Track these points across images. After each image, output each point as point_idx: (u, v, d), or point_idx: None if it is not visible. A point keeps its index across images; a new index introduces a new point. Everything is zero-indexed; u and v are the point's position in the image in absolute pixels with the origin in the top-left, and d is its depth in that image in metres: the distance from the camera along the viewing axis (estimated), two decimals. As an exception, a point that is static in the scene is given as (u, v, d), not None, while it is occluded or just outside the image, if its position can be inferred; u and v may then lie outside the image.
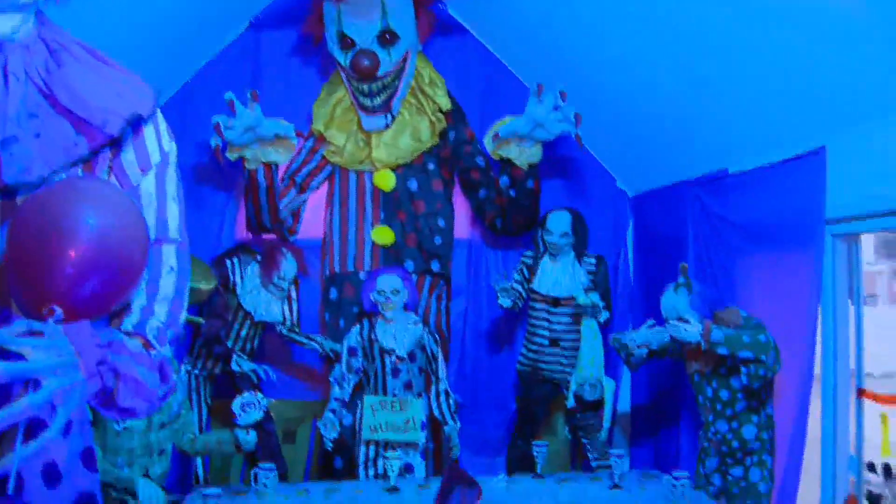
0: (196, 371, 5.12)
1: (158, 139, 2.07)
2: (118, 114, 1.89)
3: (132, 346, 1.88)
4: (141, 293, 2.02)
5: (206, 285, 3.69)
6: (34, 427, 1.66)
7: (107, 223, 1.74)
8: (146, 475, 3.71)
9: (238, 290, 5.03)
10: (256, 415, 3.93)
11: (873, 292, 10.83)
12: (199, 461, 5.18)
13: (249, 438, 3.96)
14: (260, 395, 3.97)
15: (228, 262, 5.06)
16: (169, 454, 3.97)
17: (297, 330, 5.40)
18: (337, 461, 5.18)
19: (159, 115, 2.09)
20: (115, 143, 1.96)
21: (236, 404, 3.93)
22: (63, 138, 1.85)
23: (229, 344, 5.06)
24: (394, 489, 4.34)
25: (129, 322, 2.00)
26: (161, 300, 2.06)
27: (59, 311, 1.68)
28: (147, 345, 1.95)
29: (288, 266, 5.03)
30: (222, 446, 4.06)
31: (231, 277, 5.03)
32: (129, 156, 2.01)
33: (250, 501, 4.18)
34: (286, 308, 5.31)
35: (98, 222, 1.72)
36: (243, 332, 5.12)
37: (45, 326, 1.66)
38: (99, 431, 3.66)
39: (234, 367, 4.91)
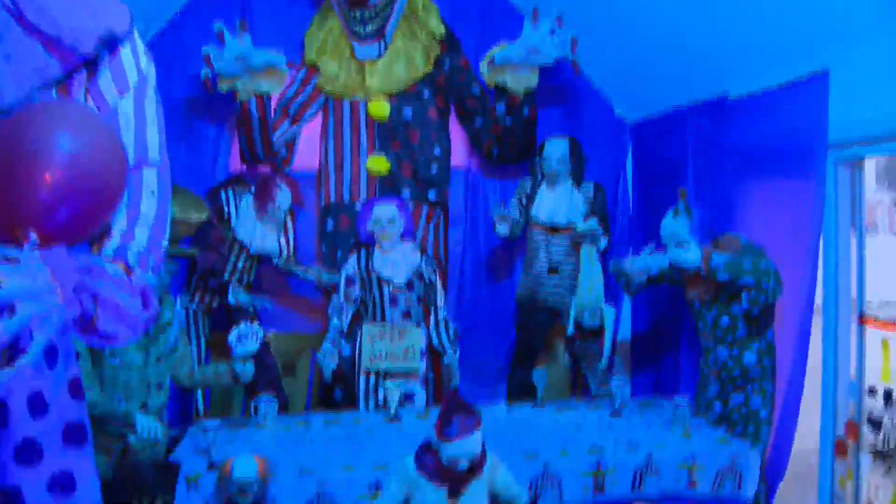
0: (193, 305, 5.08)
1: (136, 60, 2.00)
2: (91, 32, 1.82)
3: (112, 272, 1.84)
4: (121, 218, 1.97)
5: (196, 216, 3.63)
6: (13, 353, 1.62)
7: (82, 147, 1.69)
8: (144, 408, 3.69)
9: (233, 223, 4.97)
10: (252, 346, 3.90)
11: (874, 221, 10.72)
12: (199, 395, 5.18)
13: (246, 370, 3.94)
14: (256, 325, 3.94)
15: (222, 195, 5.00)
16: (167, 388, 3.95)
17: (293, 262, 5.35)
18: (337, 392, 5.16)
19: (136, 36, 2.01)
20: (91, 65, 1.89)
21: (232, 336, 3.90)
22: (34, 59, 1.78)
23: (225, 277, 5.01)
24: (394, 419, 4.34)
25: (110, 247, 1.95)
26: (142, 225, 2.01)
27: (33, 236, 1.63)
28: (128, 270, 1.91)
29: (282, 197, 4.96)
30: (220, 378, 4.04)
31: (225, 209, 4.97)
32: (105, 78, 1.94)
33: (250, 433, 4.20)
34: (282, 240, 5.25)
35: (73, 146, 1.67)
36: (239, 265, 5.07)
37: (20, 252, 1.61)
38: (96, 366, 3.63)
39: (231, 299, 4.87)
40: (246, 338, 3.88)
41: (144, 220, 2.02)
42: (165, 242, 2.11)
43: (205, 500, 3.47)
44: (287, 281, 5.69)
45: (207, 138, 5.57)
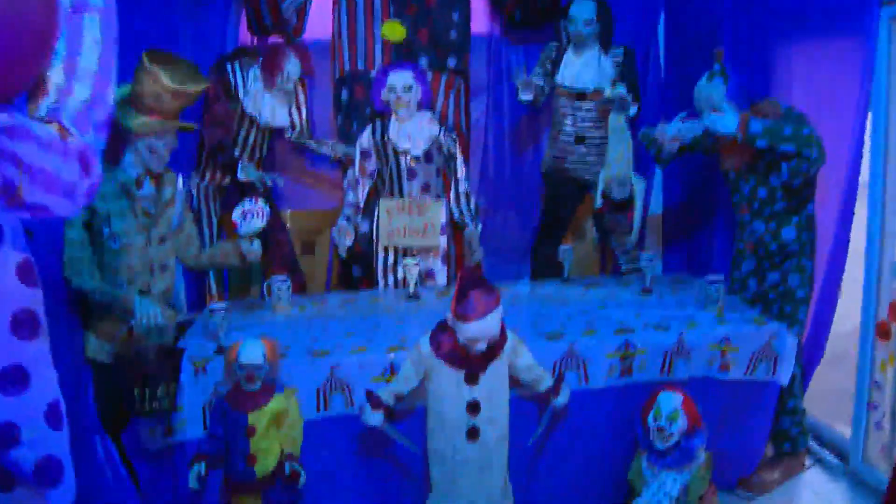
0: (204, 183, 4.90)
1: None
2: None
3: (42, 133, 1.61)
4: (57, 70, 1.72)
5: (193, 87, 3.39)
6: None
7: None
8: (146, 292, 3.53)
9: (240, 96, 4.72)
10: (258, 223, 3.70)
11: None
12: (211, 278, 5.04)
13: (254, 248, 3.75)
14: (262, 201, 3.73)
15: (228, 66, 4.73)
16: (173, 270, 3.79)
17: (307, 135, 5.12)
18: (355, 270, 5.01)
19: None
20: None
21: (236, 213, 3.70)
22: None
23: (236, 153, 4.80)
24: (413, 296, 4.19)
25: (45, 105, 1.72)
26: (82, 77, 1.77)
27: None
28: (63, 131, 1.67)
29: (291, 66, 4.68)
30: (227, 258, 3.86)
31: (232, 82, 4.71)
32: None
33: (263, 315, 4.08)
34: (294, 113, 5.02)
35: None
36: (250, 140, 4.84)
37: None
38: (95, 252, 3.48)
39: (240, 175, 4.67)
40: (251, 214, 3.68)
41: (85, 72, 1.78)
42: (112, 98, 1.88)
43: (213, 385, 3.35)
44: (302, 156, 5.48)
45: (214, 8, 5.26)
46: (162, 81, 3.36)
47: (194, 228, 3.92)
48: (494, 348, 3.04)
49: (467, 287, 2.93)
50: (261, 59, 4.74)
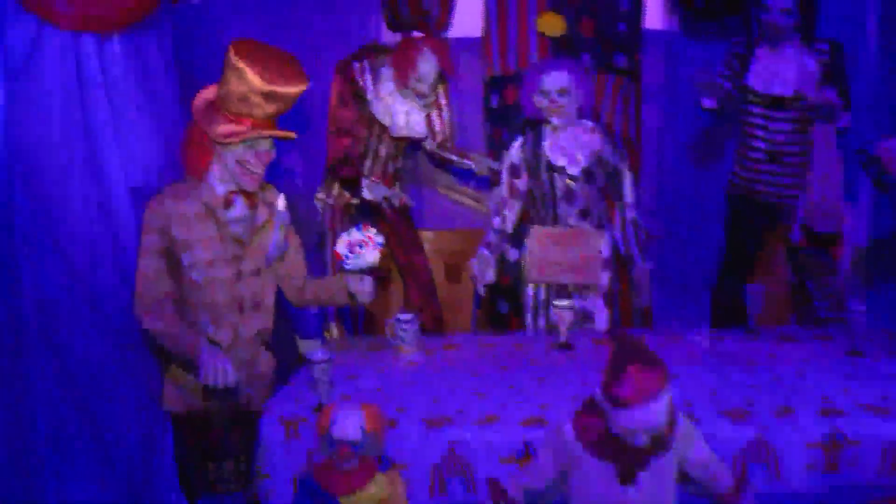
0: (330, 200, 4.30)
1: None
2: None
3: None
4: None
5: (289, 87, 2.79)
6: None
7: None
8: (215, 342, 2.90)
9: (369, 98, 4.08)
10: (369, 257, 3.04)
11: None
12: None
13: (364, 287, 3.09)
14: (372, 230, 3.06)
15: (355, 65, 4.11)
16: (270, 307, 3.19)
17: (449, 146, 4.44)
18: (501, 305, 4.30)
19: None
20: None
21: (342, 244, 3.05)
22: None
23: (367, 165, 4.18)
24: (565, 345, 3.43)
25: None
26: None
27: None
28: None
29: (426, 63, 3.99)
30: (333, 297, 3.22)
31: (359, 83, 4.09)
32: None
33: (383, 358, 3.45)
34: (435, 119, 4.36)
35: None
36: (381, 151, 4.21)
37: None
38: (174, 282, 2.94)
39: (365, 193, 4.03)
40: (361, 246, 3.03)
41: None
42: None
43: (307, 452, 2.73)
44: (445, 169, 4.82)
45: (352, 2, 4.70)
46: (250, 80, 2.77)
47: (301, 257, 3.30)
48: (659, 440, 2.24)
49: (624, 360, 2.13)
50: (391, 55, 4.10)
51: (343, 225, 4.32)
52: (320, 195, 4.35)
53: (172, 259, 2.97)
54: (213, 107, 2.93)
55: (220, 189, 2.98)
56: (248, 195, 3.02)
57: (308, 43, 4.28)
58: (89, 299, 3.14)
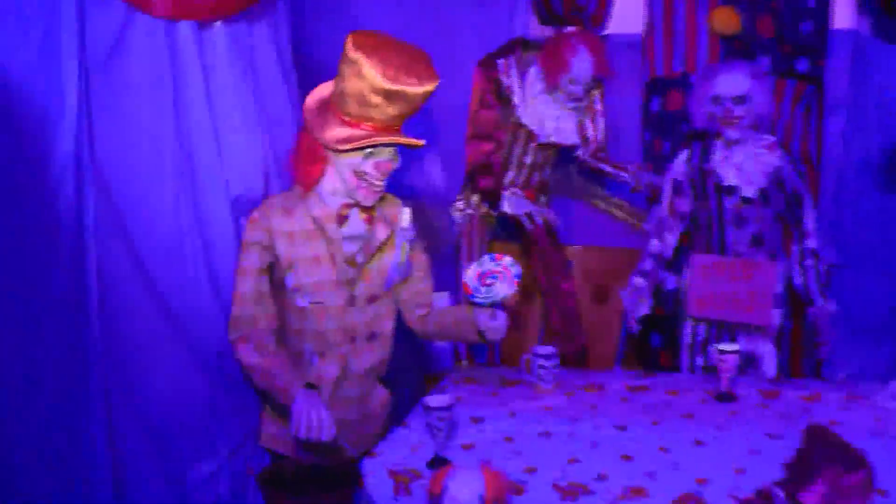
0: (469, 210, 3.91)
1: None
2: None
3: None
4: None
5: (416, 86, 2.38)
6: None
7: None
8: (315, 386, 2.52)
9: (515, 100, 3.66)
10: (501, 290, 2.61)
11: None
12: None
13: (495, 323, 2.66)
14: (508, 260, 2.63)
15: (500, 62, 3.69)
16: (388, 338, 2.82)
17: (603, 156, 3.97)
18: (654, 338, 3.83)
19: None
20: None
21: (471, 274, 2.61)
22: None
23: (510, 174, 3.77)
24: (727, 396, 2.92)
25: None
26: None
27: None
28: None
29: (579, 64, 3.53)
30: (460, 330, 2.81)
31: (504, 83, 3.67)
32: None
33: (516, 396, 3.02)
34: (589, 125, 3.89)
35: None
36: (527, 160, 3.79)
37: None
38: (277, 307, 2.68)
39: (505, 206, 3.61)
40: (493, 278, 2.60)
41: None
42: None
43: (419, 516, 2.33)
44: (598, 181, 4.33)
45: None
46: (368, 76, 2.39)
47: (428, 283, 2.92)
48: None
49: (818, 460, 1.65)
50: (541, 53, 3.66)
51: (481, 240, 3.95)
52: (458, 205, 3.98)
53: (275, 280, 2.64)
54: (328, 108, 2.57)
55: (333, 202, 2.62)
56: (365, 210, 2.66)
57: (447, 36, 3.93)
58: (176, 324, 2.77)
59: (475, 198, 3.88)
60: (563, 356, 3.18)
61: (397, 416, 2.86)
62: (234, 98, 2.86)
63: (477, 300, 2.62)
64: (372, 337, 2.76)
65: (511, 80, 3.69)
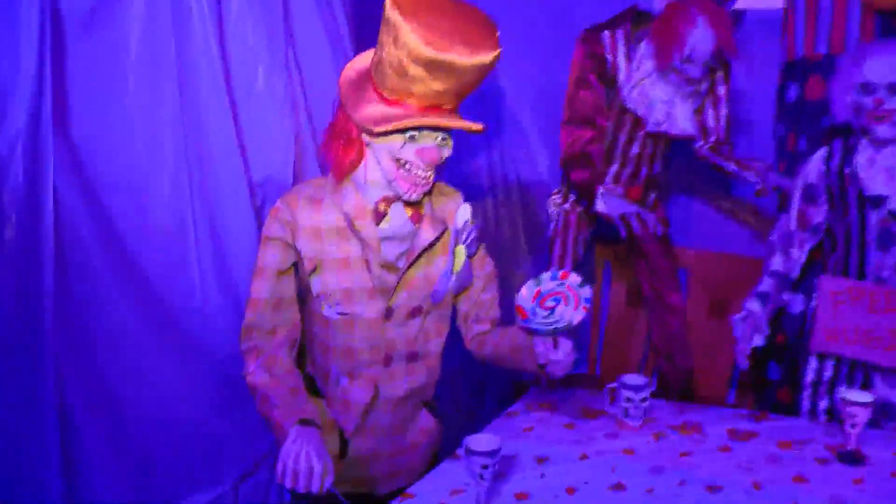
0: (566, 205, 3.43)
1: None
2: None
3: None
4: None
5: (467, 57, 1.84)
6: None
7: None
8: (311, 422, 2.07)
9: (620, 80, 3.13)
10: (566, 317, 2.10)
11: None
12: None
13: (557, 356, 2.15)
14: (575, 279, 2.09)
15: (605, 36, 3.15)
16: (436, 359, 2.38)
17: (725, 150, 3.37)
18: (772, 369, 3.27)
19: None
20: None
21: (525, 296, 2.07)
22: None
23: (613, 168, 3.26)
24: (853, 457, 2.35)
25: None
26: None
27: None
28: None
29: (698, 39, 2.95)
30: (517, 358, 2.31)
31: (608, 59, 3.13)
32: None
33: (590, 434, 2.52)
34: (709, 114, 3.32)
35: None
36: (633, 151, 3.26)
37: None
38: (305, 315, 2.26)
39: (599, 206, 3.06)
40: (555, 301, 2.09)
41: None
42: None
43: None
44: (718, 177, 3.74)
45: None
46: (407, 41, 1.90)
47: (492, 295, 2.44)
48: None
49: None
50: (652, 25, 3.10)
51: (576, 239, 3.45)
52: (555, 199, 3.50)
53: (299, 284, 2.21)
54: (367, 80, 2.11)
55: (370, 195, 2.16)
56: (410, 205, 2.19)
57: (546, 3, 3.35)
58: (167, 326, 2.35)
59: (574, 193, 3.39)
60: (664, 379, 2.66)
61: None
62: (256, 54, 2.38)
63: (533, 327, 2.11)
64: (412, 357, 2.29)
65: (617, 56, 3.15)
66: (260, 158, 2.49)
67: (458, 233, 2.25)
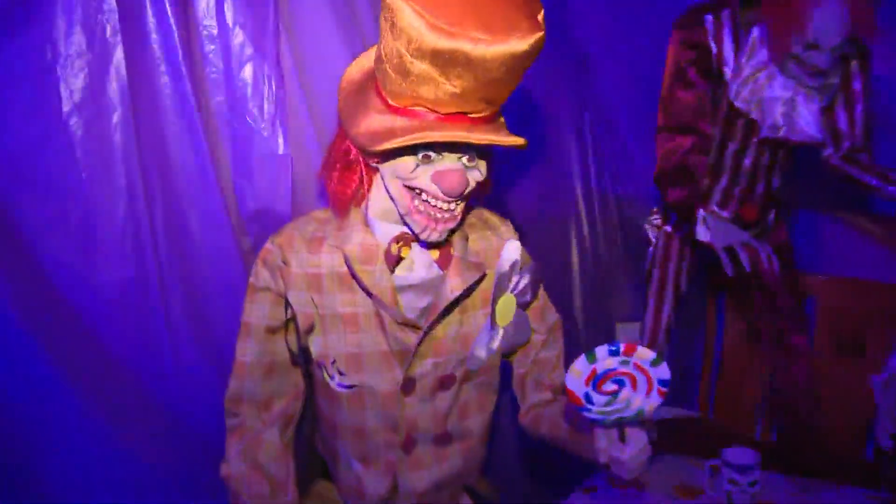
0: (668, 227, 2.90)
1: None
2: None
3: None
4: None
5: (493, 44, 1.29)
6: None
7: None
8: (392, 488, 1.61)
9: (727, 74, 2.54)
10: (634, 403, 1.55)
11: None
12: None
13: (623, 455, 1.59)
14: (647, 356, 1.52)
15: (708, 20, 2.54)
16: (480, 439, 1.88)
17: (863, 159, 2.72)
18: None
19: None
20: None
21: (578, 372, 1.52)
22: None
23: (722, 182, 2.69)
24: None
25: None
26: None
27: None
28: None
29: (825, 19, 2.32)
30: (579, 451, 1.76)
31: (712, 49, 2.54)
32: None
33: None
34: (841, 114, 2.69)
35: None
36: (748, 160, 2.66)
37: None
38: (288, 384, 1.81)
39: (700, 233, 2.47)
40: (615, 383, 1.54)
41: None
42: None
43: None
44: (852, 195, 3.14)
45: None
46: (406, 27, 1.38)
47: (555, 352, 1.91)
48: None
49: None
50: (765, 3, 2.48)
51: (679, 269, 2.88)
52: (654, 219, 2.95)
53: (295, 345, 1.74)
54: (370, 83, 1.60)
55: (384, 232, 1.66)
56: (435, 245, 1.68)
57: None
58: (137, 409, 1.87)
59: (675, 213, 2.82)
60: (784, 436, 2.06)
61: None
62: (240, 46, 1.87)
63: (591, 417, 1.57)
64: (443, 440, 1.77)
65: (723, 46, 2.53)
66: (248, 184, 2.00)
67: (502, 278, 1.71)
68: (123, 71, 1.81)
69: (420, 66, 1.40)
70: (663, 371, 1.53)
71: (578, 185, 3.34)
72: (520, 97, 2.80)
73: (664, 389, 1.55)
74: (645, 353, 1.51)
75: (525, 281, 1.76)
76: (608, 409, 1.55)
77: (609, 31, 3.20)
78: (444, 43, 1.35)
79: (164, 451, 1.93)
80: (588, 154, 3.33)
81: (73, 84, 1.77)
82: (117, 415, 1.84)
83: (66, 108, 1.77)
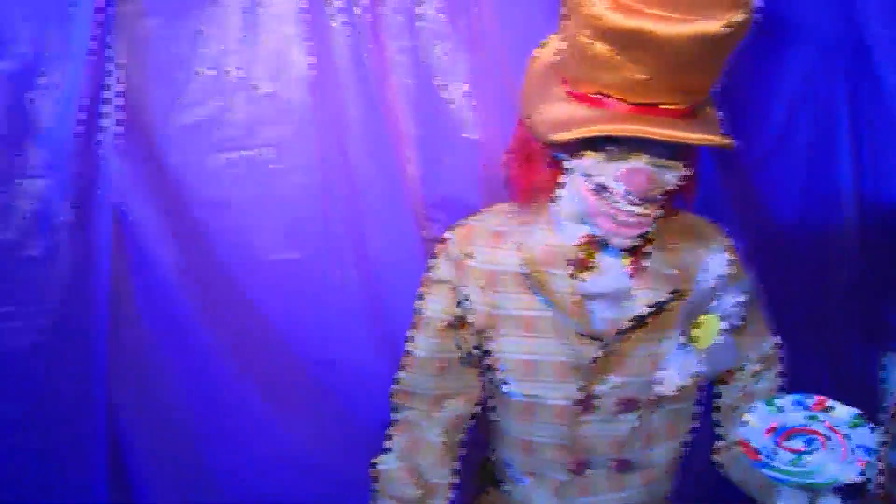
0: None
1: None
2: None
3: None
4: None
5: (695, 23, 1.11)
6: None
7: None
8: None
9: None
10: (827, 468, 1.29)
11: None
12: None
13: None
14: (843, 412, 1.26)
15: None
16: (664, 467, 1.65)
17: None
18: None
19: None
20: None
21: (753, 424, 1.28)
22: None
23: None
24: None
25: None
26: None
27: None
28: None
29: None
30: (764, 494, 1.52)
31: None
32: None
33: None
34: None
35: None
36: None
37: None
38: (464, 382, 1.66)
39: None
40: (800, 439, 1.30)
41: None
42: None
43: None
44: None
45: None
46: (587, 6, 1.25)
47: (775, 383, 1.65)
48: None
49: None
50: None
51: None
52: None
53: (469, 344, 1.60)
54: (554, 71, 1.45)
55: (568, 234, 1.50)
56: (631, 255, 1.51)
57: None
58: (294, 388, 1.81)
59: None
60: None
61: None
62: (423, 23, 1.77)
63: (771, 475, 1.33)
64: (624, 467, 1.58)
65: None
66: (434, 170, 1.87)
67: (705, 294, 1.49)
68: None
69: (601, 48, 1.26)
70: (864, 437, 1.27)
71: (848, 189, 2.96)
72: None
73: (866, 459, 1.28)
74: (841, 412, 1.27)
75: (733, 300, 1.54)
76: (794, 468, 1.31)
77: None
78: (623, 21, 1.21)
79: (327, 438, 1.89)
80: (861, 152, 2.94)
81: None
82: (285, 401, 1.83)
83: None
